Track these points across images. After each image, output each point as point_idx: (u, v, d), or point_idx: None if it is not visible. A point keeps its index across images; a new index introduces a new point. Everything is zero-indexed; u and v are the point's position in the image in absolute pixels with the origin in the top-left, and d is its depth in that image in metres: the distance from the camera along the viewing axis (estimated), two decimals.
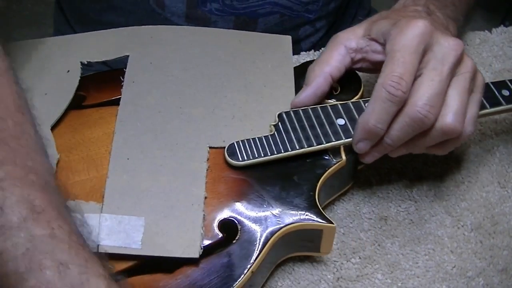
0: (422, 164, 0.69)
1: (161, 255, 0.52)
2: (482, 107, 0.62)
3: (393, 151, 0.59)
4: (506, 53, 0.81)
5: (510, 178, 0.68)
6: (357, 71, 0.66)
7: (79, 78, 0.65)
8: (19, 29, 1.78)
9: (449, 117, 0.55)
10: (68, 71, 0.65)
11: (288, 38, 0.72)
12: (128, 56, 0.67)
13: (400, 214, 0.65)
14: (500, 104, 0.63)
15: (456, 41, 0.56)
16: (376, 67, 0.61)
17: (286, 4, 0.80)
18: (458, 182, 0.68)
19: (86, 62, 0.66)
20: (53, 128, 0.61)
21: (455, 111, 0.55)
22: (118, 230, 0.53)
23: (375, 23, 0.61)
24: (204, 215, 0.55)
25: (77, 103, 0.64)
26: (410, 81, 0.54)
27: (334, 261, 0.61)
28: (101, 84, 0.65)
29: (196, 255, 0.52)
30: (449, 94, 0.56)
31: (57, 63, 0.66)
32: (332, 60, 0.62)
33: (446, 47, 0.56)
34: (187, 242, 0.53)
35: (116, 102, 0.63)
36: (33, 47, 0.68)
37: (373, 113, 0.55)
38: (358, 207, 0.66)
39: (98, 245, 0.52)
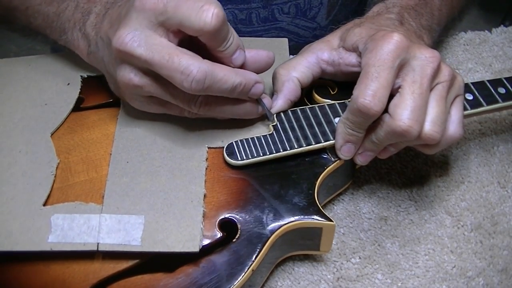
0: (422, 164, 0.69)
1: (161, 250, 0.52)
2: (479, 105, 0.63)
3: (382, 152, 0.59)
4: (506, 53, 0.82)
5: (510, 178, 0.68)
6: None
7: (79, 90, 0.66)
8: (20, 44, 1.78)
9: (426, 126, 0.55)
10: (68, 84, 0.66)
11: (285, 41, 0.72)
12: None
13: (400, 214, 0.65)
14: (496, 101, 0.63)
15: (433, 52, 0.56)
16: (352, 78, 0.62)
17: (293, 30, 0.79)
18: (458, 182, 0.68)
19: (86, 76, 0.67)
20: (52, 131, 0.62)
21: (432, 120, 0.55)
22: (118, 228, 0.53)
23: (349, 31, 0.61)
24: (204, 210, 0.55)
25: (76, 105, 0.64)
26: (385, 97, 0.54)
27: (334, 261, 0.61)
28: (99, 86, 0.65)
29: (196, 249, 0.52)
30: (428, 104, 0.56)
31: (58, 77, 0.67)
32: (299, 66, 0.62)
33: (423, 60, 0.55)
34: (187, 237, 0.53)
35: (114, 104, 0.64)
36: (34, 62, 0.69)
37: (348, 121, 0.56)
38: (358, 207, 0.66)
39: (98, 244, 0.52)
